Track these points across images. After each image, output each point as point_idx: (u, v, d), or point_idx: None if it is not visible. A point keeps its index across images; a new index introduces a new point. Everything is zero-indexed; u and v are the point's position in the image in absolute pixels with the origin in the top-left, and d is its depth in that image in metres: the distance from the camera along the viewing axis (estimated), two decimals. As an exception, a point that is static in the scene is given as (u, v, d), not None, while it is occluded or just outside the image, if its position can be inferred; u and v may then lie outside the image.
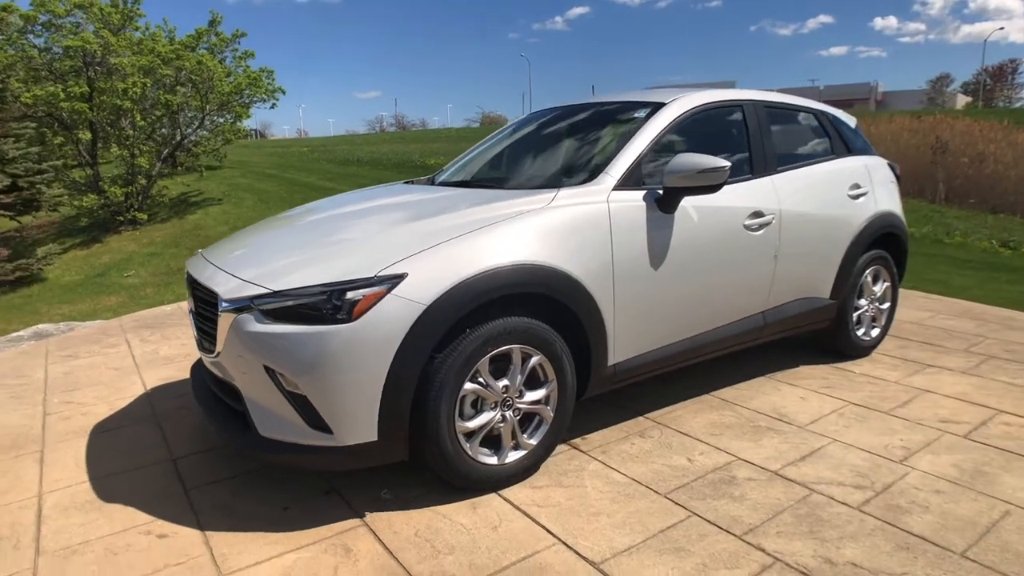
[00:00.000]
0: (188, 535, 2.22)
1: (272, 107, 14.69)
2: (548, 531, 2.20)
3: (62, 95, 9.61)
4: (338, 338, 2.07)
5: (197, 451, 2.81)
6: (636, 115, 3.05)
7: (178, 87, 11.59)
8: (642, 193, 2.74)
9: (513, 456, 2.47)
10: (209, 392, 2.60)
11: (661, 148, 2.97)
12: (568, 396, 2.56)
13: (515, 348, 2.38)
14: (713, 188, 2.72)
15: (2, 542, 2.20)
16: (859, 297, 3.85)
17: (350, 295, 2.09)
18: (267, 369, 2.15)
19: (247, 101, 13.39)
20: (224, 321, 2.24)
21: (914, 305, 5.11)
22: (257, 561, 2.06)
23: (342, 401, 2.10)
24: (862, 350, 3.92)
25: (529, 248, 2.38)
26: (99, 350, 4.35)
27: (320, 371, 2.08)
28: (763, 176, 3.24)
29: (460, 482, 2.37)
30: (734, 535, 2.16)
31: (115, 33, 11.16)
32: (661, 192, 2.74)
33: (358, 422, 2.12)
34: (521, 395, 2.45)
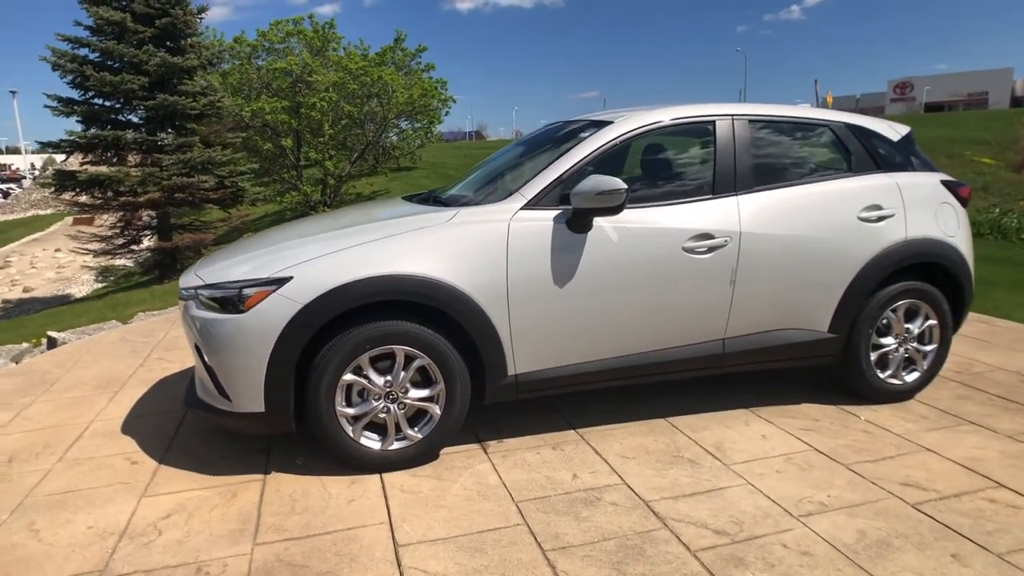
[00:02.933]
0: (149, 465, 2.90)
1: (446, 114, 16.13)
2: (388, 512, 2.48)
3: (267, 108, 11.80)
4: (232, 324, 2.58)
5: (203, 405, 3.55)
6: (582, 135, 3.11)
7: (365, 99, 13.37)
8: (555, 213, 2.83)
9: (397, 445, 2.77)
10: (201, 360, 3.29)
11: (601, 167, 3.00)
12: (457, 398, 2.78)
13: (397, 349, 2.68)
14: (615, 209, 2.72)
15: (47, 448, 3.10)
16: (882, 334, 3.38)
17: (246, 291, 2.59)
18: (195, 345, 2.74)
19: (422, 109, 14.88)
20: (180, 306, 2.88)
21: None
22: (170, 491, 2.66)
23: (235, 375, 2.61)
24: (888, 395, 3.44)
25: (411, 261, 2.65)
26: (213, 321, 5.47)
27: (220, 349, 2.61)
28: (726, 196, 3.06)
29: (342, 459, 2.74)
30: (542, 549, 2.24)
31: (316, 55, 13.24)
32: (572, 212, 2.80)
33: (248, 394, 2.61)
34: (406, 391, 2.74)
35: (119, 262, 12.25)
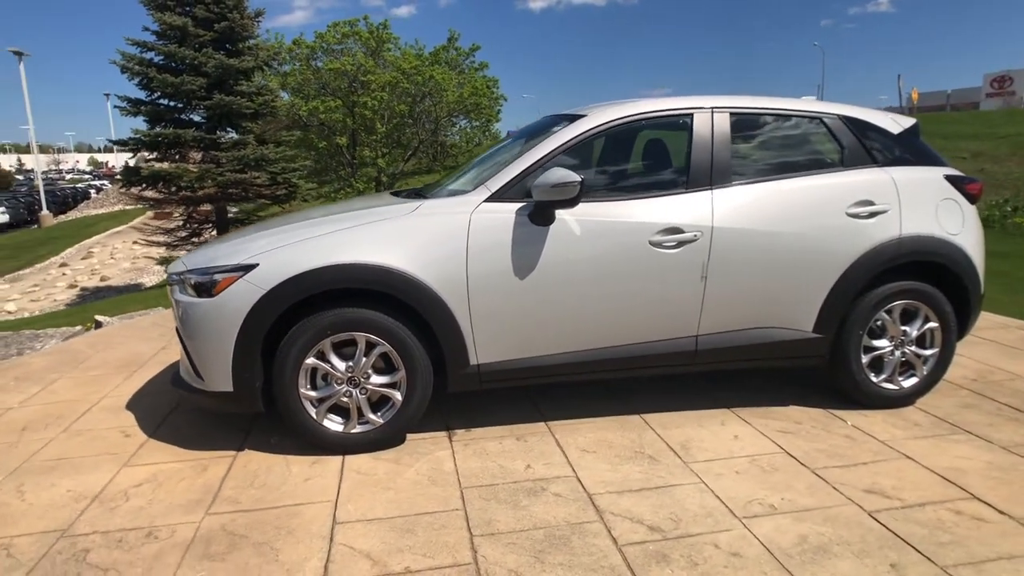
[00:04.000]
0: (139, 438, 3.12)
1: (498, 111, 16.33)
2: (337, 492, 2.57)
3: (321, 108, 12.28)
4: (203, 307, 2.74)
5: (202, 386, 3.77)
6: (554, 128, 3.11)
7: (418, 98, 13.68)
8: (518, 206, 2.85)
9: (359, 428, 2.87)
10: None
11: (574, 161, 3.01)
12: (419, 385, 2.85)
13: (358, 335, 2.78)
14: (571, 201, 2.72)
15: (57, 420, 3.37)
16: (876, 336, 3.22)
17: (216, 276, 2.74)
18: (176, 328, 2.93)
19: (474, 108, 15.07)
20: (168, 289, 3.08)
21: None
22: (150, 463, 2.86)
23: (205, 356, 2.77)
24: (883, 400, 3.28)
25: (371, 250, 2.73)
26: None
27: (194, 331, 2.78)
28: (700, 190, 2.99)
29: (306, 439, 2.86)
30: (470, 534, 2.28)
31: (371, 55, 13.65)
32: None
33: (217, 375, 2.76)
34: (368, 377, 2.83)
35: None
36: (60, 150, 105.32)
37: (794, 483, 2.59)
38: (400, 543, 2.23)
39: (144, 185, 10.17)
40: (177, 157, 10.43)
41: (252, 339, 2.71)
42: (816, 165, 3.21)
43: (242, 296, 2.69)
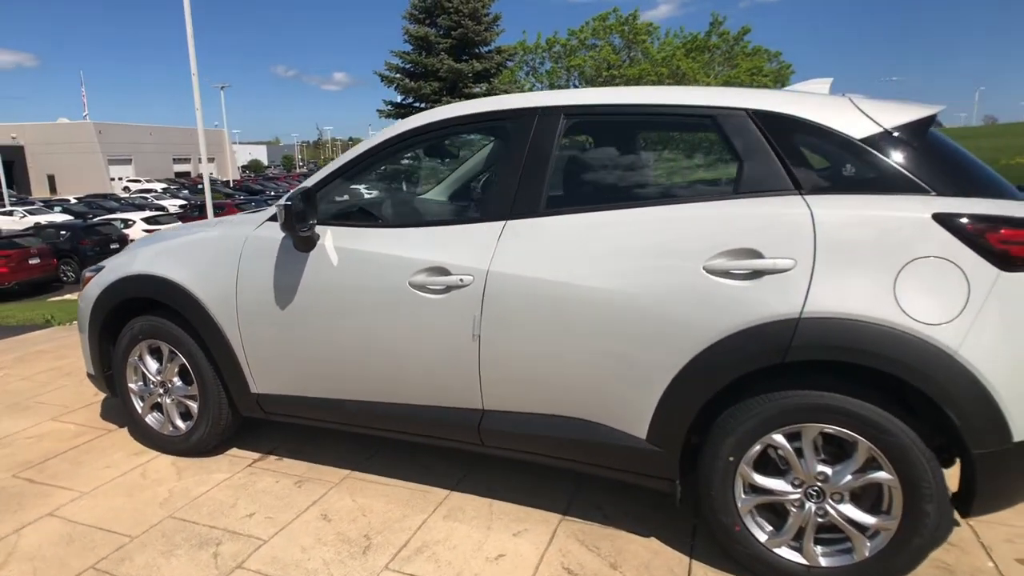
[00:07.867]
0: (98, 399, 3.79)
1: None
2: (98, 486, 2.74)
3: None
4: (79, 299, 3.19)
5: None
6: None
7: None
8: (287, 228, 2.58)
9: (169, 431, 2.99)
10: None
11: (380, 177, 2.60)
12: (210, 400, 2.83)
13: (161, 343, 2.89)
14: (287, 228, 2.34)
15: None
16: (768, 470, 2.01)
17: (86, 273, 3.16)
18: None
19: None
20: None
21: None
22: (72, 422, 3.45)
23: (81, 342, 3.22)
24: (782, 574, 2.03)
25: (167, 263, 2.80)
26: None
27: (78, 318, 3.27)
28: (491, 221, 2.25)
29: (135, 431, 3.10)
30: (93, 567, 2.21)
31: (625, 47, 13.34)
32: (298, 229, 2.51)
33: (86, 358, 3.17)
34: (174, 384, 2.93)
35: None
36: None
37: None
38: (46, 553, 2.29)
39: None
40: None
41: (95, 331, 3.05)
42: (689, 189, 2.11)
43: (91, 293, 3.05)
